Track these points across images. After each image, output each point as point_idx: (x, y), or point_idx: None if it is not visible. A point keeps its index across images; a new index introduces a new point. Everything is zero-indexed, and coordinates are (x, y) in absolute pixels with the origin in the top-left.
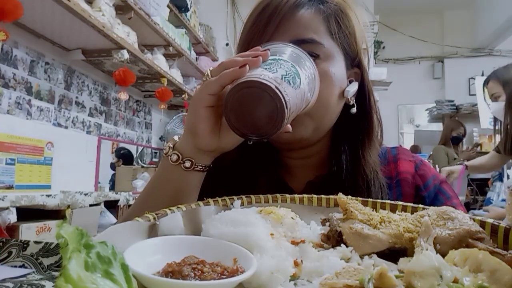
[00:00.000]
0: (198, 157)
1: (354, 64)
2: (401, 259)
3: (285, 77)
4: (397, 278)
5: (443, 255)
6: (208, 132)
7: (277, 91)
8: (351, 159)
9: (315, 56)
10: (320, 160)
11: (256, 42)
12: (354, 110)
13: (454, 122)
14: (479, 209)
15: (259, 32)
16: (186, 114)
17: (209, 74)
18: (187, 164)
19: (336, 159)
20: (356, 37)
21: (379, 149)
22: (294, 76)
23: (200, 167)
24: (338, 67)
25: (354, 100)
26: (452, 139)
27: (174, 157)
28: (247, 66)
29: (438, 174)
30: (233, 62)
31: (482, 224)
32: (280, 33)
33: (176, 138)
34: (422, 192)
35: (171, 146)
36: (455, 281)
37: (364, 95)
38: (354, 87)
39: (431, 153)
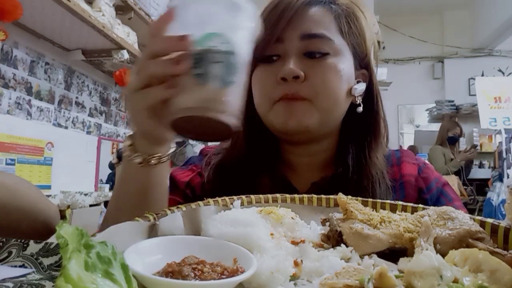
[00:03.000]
0: (155, 150)
1: (363, 66)
2: (401, 259)
3: (221, 82)
4: (397, 278)
5: (443, 255)
6: (156, 128)
7: (222, 118)
8: (357, 160)
9: (325, 54)
10: (326, 160)
11: (267, 37)
12: (360, 109)
13: (449, 123)
14: (479, 210)
15: (270, 26)
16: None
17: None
18: (148, 159)
19: (342, 159)
20: (365, 39)
21: (386, 150)
22: (231, 70)
23: (163, 158)
24: (347, 64)
25: (361, 100)
26: (449, 139)
27: (132, 155)
28: (176, 88)
29: (440, 177)
30: (159, 67)
31: (482, 224)
32: (291, 27)
33: (131, 134)
34: (424, 195)
35: (128, 144)
36: (455, 281)
37: (372, 97)
38: (361, 87)
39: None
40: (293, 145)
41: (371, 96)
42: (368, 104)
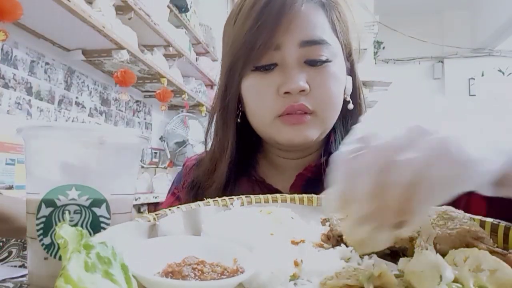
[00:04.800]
0: None
1: (349, 60)
2: (401, 259)
3: None
4: (397, 278)
5: (443, 255)
6: None
7: None
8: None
9: (325, 61)
10: (313, 162)
11: (263, 44)
12: (351, 106)
13: None
14: None
15: (266, 32)
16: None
17: None
18: None
19: (327, 150)
20: (349, 30)
21: None
22: (94, 227)
23: None
24: (342, 66)
25: (349, 96)
26: None
27: None
28: None
29: None
30: None
31: (482, 223)
32: (290, 33)
33: None
34: None
35: None
36: (455, 281)
37: (355, 88)
38: (350, 83)
39: None
40: (282, 150)
41: (354, 87)
42: (352, 97)
